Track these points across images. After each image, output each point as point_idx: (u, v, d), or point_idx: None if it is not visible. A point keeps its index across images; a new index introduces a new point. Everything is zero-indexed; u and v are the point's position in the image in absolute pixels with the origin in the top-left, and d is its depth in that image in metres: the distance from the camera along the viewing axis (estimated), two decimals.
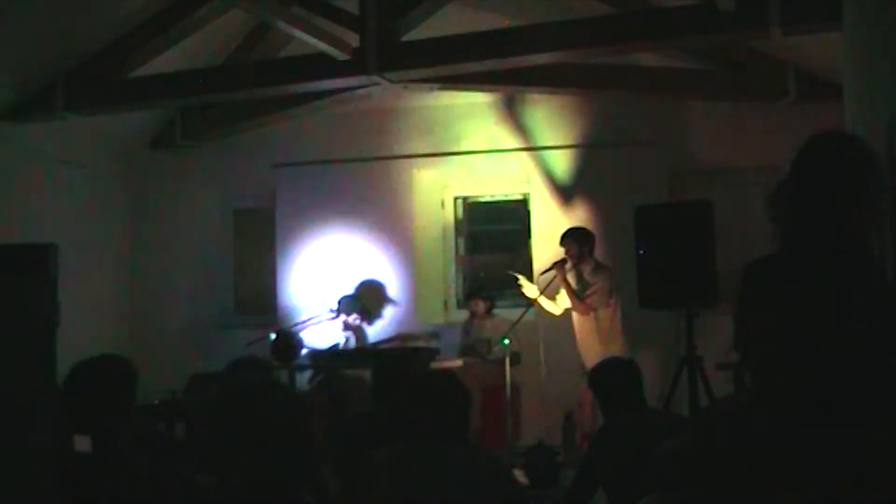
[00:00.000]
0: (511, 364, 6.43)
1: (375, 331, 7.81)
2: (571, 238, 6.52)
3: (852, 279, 1.96)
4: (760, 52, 6.65)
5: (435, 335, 7.26)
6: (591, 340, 6.36)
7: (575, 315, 6.52)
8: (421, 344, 7.06)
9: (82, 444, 2.47)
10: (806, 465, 1.88)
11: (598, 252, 6.66)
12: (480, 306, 7.21)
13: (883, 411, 1.88)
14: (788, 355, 1.94)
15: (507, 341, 6.32)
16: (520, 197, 8.11)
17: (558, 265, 6.50)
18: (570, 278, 6.48)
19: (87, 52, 6.82)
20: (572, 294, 6.44)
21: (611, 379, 3.80)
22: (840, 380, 1.89)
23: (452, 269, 8.23)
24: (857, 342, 1.90)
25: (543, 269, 6.69)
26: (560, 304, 6.64)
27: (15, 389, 1.80)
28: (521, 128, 7.86)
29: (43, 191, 7.14)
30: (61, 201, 7.32)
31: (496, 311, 7.29)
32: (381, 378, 4.04)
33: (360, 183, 8.06)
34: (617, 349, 6.07)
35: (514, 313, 6.89)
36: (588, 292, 6.40)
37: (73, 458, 2.44)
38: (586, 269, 6.46)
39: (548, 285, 6.63)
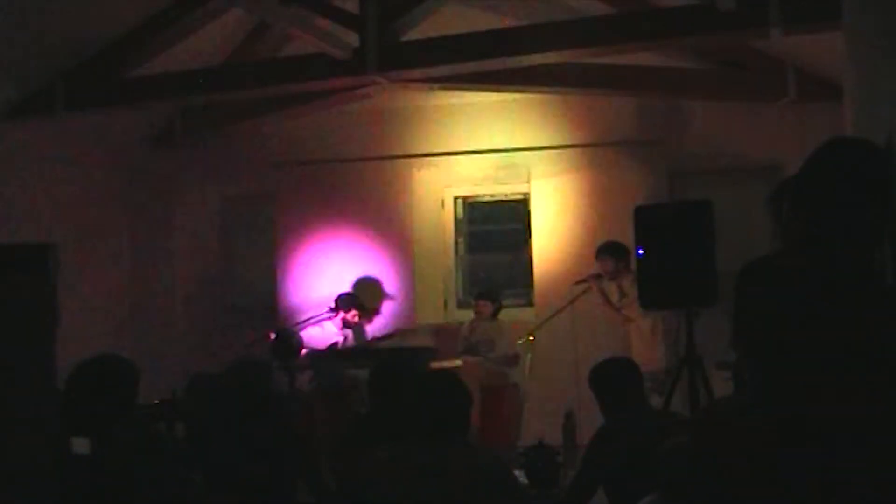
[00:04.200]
0: (511, 364, 6.41)
1: (374, 328, 7.81)
2: (608, 253, 6.48)
3: (854, 282, 1.96)
4: (760, 52, 6.65)
5: (433, 330, 7.24)
6: (626, 349, 6.24)
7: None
8: (418, 340, 7.05)
9: (81, 446, 2.47)
10: (806, 465, 1.88)
11: None
12: (488, 308, 7.18)
13: (882, 411, 1.89)
14: (786, 356, 1.95)
15: (531, 338, 6.30)
16: (520, 197, 8.10)
17: (592, 278, 6.48)
18: (612, 290, 6.45)
19: (87, 52, 6.82)
20: (609, 305, 6.42)
21: (611, 378, 3.81)
22: (839, 380, 1.90)
23: (452, 269, 8.23)
24: (856, 343, 1.90)
25: (577, 280, 6.63)
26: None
27: (14, 389, 1.80)
28: (521, 127, 7.86)
29: (43, 191, 7.13)
30: (61, 201, 7.31)
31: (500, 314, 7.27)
32: (377, 379, 4.03)
33: (360, 183, 8.06)
34: (647, 358, 5.89)
35: (513, 313, 6.87)
36: (625, 302, 6.36)
37: (73, 459, 2.44)
38: (626, 282, 6.40)
39: (578, 296, 6.56)
